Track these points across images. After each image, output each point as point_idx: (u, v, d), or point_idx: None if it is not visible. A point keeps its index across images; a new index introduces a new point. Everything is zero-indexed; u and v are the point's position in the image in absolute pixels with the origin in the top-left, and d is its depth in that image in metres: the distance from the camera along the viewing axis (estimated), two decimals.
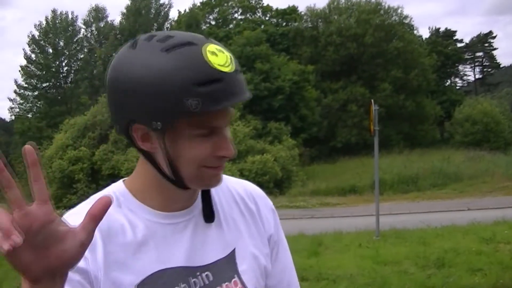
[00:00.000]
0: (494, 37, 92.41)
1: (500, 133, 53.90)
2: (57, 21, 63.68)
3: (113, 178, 26.30)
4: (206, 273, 1.69)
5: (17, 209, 1.07)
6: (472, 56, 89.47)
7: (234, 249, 1.77)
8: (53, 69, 63.95)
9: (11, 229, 1.06)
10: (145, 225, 1.64)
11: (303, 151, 46.26)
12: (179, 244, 1.67)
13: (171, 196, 1.67)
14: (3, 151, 1.24)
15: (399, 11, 64.03)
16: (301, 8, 67.99)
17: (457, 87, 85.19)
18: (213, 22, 71.22)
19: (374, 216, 15.46)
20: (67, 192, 36.39)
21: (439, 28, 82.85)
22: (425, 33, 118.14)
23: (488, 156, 42.66)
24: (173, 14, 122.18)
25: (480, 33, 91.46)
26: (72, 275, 1.40)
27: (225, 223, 1.79)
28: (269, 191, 29.45)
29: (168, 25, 65.77)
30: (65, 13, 64.31)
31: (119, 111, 1.57)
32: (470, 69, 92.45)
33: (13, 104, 66.26)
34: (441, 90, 70.99)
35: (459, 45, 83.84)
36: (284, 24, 69.46)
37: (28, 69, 63.26)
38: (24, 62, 63.74)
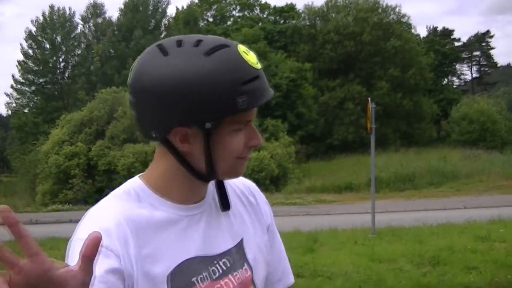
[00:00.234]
0: (492, 37, 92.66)
1: (497, 132, 53.95)
2: (55, 17, 63.57)
3: (109, 173, 26.39)
4: (222, 261, 1.79)
5: (11, 269, 1.06)
6: (470, 55, 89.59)
7: (242, 238, 1.88)
8: (50, 65, 63.75)
9: None
10: (167, 218, 1.72)
11: (299, 149, 46.24)
12: (197, 235, 1.76)
13: (191, 189, 1.77)
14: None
15: (397, 9, 64.18)
16: (299, 6, 68.28)
17: (454, 86, 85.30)
18: (210, 19, 71.16)
19: (370, 214, 15.49)
20: (63, 188, 36.36)
21: (436, 27, 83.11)
22: (422, 32, 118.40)
23: (485, 155, 42.69)
24: (171, 11, 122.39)
25: (478, 32, 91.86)
26: (107, 276, 1.51)
27: (232, 214, 1.89)
28: (265, 188, 29.54)
29: (166, 22, 65.65)
30: (63, 9, 64.25)
31: (160, 117, 1.63)
32: (467, 68, 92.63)
33: (10, 99, 66.26)
34: (438, 89, 71.09)
35: (456, 44, 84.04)
36: (282, 21, 69.43)
37: (25, 64, 63.12)
38: (21, 57, 63.69)
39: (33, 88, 64.40)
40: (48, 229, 19.73)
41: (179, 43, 1.63)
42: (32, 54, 63.36)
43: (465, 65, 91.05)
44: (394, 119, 56.02)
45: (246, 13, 71.41)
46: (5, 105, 79.85)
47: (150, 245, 1.65)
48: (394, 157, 41.86)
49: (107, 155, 36.81)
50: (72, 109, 49.17)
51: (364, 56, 59.15)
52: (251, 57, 1.64)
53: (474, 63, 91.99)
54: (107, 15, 67.76)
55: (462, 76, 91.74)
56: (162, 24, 65.42)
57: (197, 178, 1.74)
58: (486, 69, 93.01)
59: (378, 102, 37.78)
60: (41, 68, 63.03)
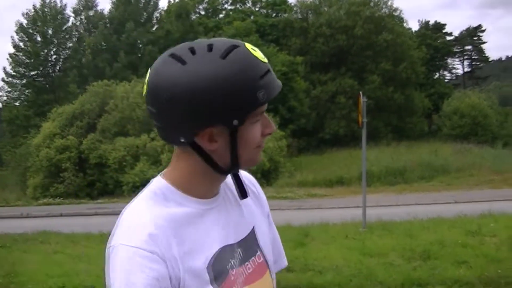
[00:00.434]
0: (483, 31, 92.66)
1: (488, 127, 54.01)
2: (46, 9, 63.36)
3: (101, 167, 26.36)
4: (240, 248, 1.92)
5: None
6: (461, 49, 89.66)
7: (254, 226, 2.03)
8: (42, 58, 63.59)
9: None
10: (194, 213, 1.83)
11: (291, 142, 46.22)
12: (219, 226, 1.88)
13: (212, 184, 1.90)
14: None
15: (389, 3, 64.05)
16: (291, 0, 67.83)
17: (446, 80, 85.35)
18: (202, 12, 71.05)
19: (361, 208, 15.52)
20: (54, 181, 36.37)
21: (428, 21, 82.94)
22: (414, 26, 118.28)
23: (476, 149, 42.76)
24: (163, 4, 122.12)
25: (470, 26, 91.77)
26: (155, 282, 1.65)
27: (243, 204, 2.03)
28: None
29: (158, 15, 65.52)
30: (54, 1, 64.01)
31: (188, 123, 1.72)
32: (459, 63, 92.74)
33: (0, 92, 66.21)
34: (429, 83, 71.04)
35: (448, 38, 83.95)
36: (274, 15, 69.39)
37: (16, 57, 62.92)
38: (12, 50, 63.49)
39: (24, 81, 64.34)
40: (39, 223, 19.76)
41: (192, 50, 1.73)
42: (23, 47, 63.23)
43: (457, 59, 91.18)
44: (385, 113, 56.03)
45: (238, 6, 71.41)
46: None
47: (187, 242, 1.75)
48: (385, 151, 41.88)
49: (98, 148, 36.83)
50: (64, 102, 49.00)
51: (356, 50, 59.13)
52: (259, 53, 1.76)
53: (465, 57, 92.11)
54: (98, 7, 67.69)
55: (453, 70, 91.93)
56: (154, 17, 65.31)
57: (220, 173, 1.86)
58: (478, 63, 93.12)
59: (370, 96, 37.81)
60: (32, 61, 62.88)
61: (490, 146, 45.99)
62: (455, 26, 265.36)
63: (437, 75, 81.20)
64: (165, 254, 1.68)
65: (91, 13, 65.32)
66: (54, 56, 65.21)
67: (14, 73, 63.39)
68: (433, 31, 79.56)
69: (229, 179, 1.99)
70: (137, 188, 33.02)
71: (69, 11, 65.83)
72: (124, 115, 37.97)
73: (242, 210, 2.01)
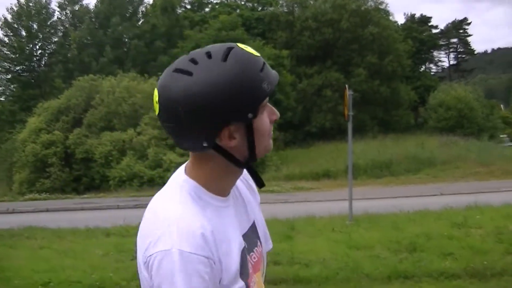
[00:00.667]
0: (469, 24, 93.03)
1: (474, 119, 54.16)
2: (31, 4, 63.07)
3: (87, 162, 26.25)
4: (246, 241, 2.01)
5: None
6: (447, 42, 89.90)
7: (254, 219, 2.15)
8: (27, 52, 63.38)
9: None
10: (219, 212, 1.94)
11: (277, 136, 46.19)
12: (236, 222, 2.00)
13: (232, 181, 2.02)
14: None
15: None
16: None
17: (432, 73, 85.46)
18: (188, 6, 70.89)
19: (347, 201, 15.54)
20: (40, 176, 36.29)
21: (414, 14, 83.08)
22: (400, 19, 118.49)
23: (461, 141, 42.92)
24: None
25: (455, 19, 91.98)
26: (213, 286, 1.79)
27: (245, 199, 2.14)
28: None
29: (143, 9, 65.41)
30: None
31: (208, 128, 1.82)
32: (444, 55, 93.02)
33: None
34: (415, 76, 71.15)
35: (434, 31, 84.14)
36: (260, 8, 69.32)
37: (1, 52, 62.67)
38: None
39: (9, 76, 64.19)
40: (25, 218, 19.69)
41: (194, 61, 1.82)
42: (8, 41, 62.95)
43: (443, 52, 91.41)
44: (371, 106, 56.02)
45: (224, 0, 71.22)
46: None
47: (223, 243, 1.86)
48: (371, 144, 41.92)
49: (85, 143, 36.77)
50: (49, 97, 48.89)
51: (342, 43, 59.11)
52: (251, 49, 1.89)
53: (451, 50, 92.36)
54: (84, 2, 67.66)
55: (439, 63, 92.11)
56: (140, 11, 65.20)
57: (240, 167, 1.97)
58: (464, 56, 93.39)
59: (356, 89, 37.86)
60: (17, 55, 62.66)
61: (476, 139, 46.16)
62: (441, 19, 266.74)
63: (423, 68, 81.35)
64: (214, 258, 1.79)
65: (76, 7, 65.13)
66: (40, 51, 65.03)
67: None
68: (419, 24, 79.68)
69: None
70: (123, 182, 33.00)
71: (54, 6, 65.55)
72: (110, 110, 37.91)
73: (245, 204, 2.13)
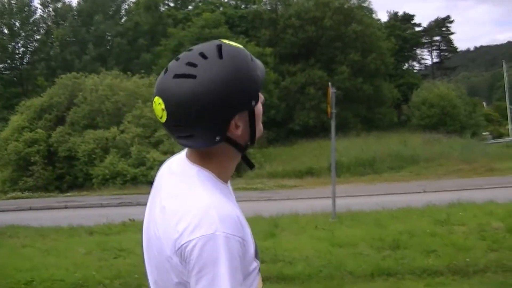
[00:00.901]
0: (452, 22, 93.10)
1: (456, 117, 54.35)
2: (13, 1, 62.77)
3: (70, 160, 26.09)
4: None
5: None
6: (430, 40, 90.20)
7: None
8: (9, 50, 63.15)
9: None
10: (228, 195, 2.08)
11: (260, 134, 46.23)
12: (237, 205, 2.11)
13: (233, 168, 2.15)
14: None
15: None
16: None
17: (415, 71, 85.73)
18: (171, 4, 70.86)
19: (330, 198, 15.54)
20: (23, 175, 36.12)
21: (397, 12, 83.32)
22: (383, 17, 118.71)
23: (444, 139, 43.07)
24: None
25: (438, 17, 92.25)
26: (247, 265, 1.96)
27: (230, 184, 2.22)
28: None
29: (126, 6, 65.28)
30: None
31: (220, 123, 1.94)
32: (427, 53, 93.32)
33: None
34: (398, 74, 71.34)
35: (417, 29, 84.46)
36: (243, 6, 69.31)
37: None
38: None
39: None
40: (8, 217, 19.68)
41: (192, 64, 1.90)
42: None
43: (426, 50, 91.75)
44: (355, 103, 56.03)
45: None
46: None
47: (244, 223, 1.98)
48: (355, 141, 41.97)
49: (68, 141, 36.61)
50: (32, 95, 48.71)
51: (325, 41, 59.12)
52: (235, 43, 2.02)
53: (434, 48, 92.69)
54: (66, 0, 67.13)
55: (422, 61, 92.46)
56: (123, 8, 65.09)
57: (242, 152, 2.11)
58: (446, 54, 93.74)
59: (339, 86, 37.81)
60: None
61: (458, 136, 46.36)
62: (424, 17, 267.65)
63: (406, 66, 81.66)
64: (244, 239, 1.92)
65: (59, 5, 64.84)
66: (22, 49, 64.87)
67: None
68: (402, 22, 79.91)
69: None
70: (106, 180, 32.90)
71: (36, 3, 65.47)
72: (93, 108, 37.79)
73: (232, 191, 2.22)
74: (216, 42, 1.99)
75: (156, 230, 2.00)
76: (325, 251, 11.09)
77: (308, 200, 21.81)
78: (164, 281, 1.99)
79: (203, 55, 1.91)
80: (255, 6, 66.29)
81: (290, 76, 56.75)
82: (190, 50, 1.99)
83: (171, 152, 32.56)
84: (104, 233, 14.63)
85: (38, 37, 64.54)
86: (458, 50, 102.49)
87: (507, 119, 75.33)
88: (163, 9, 65.99)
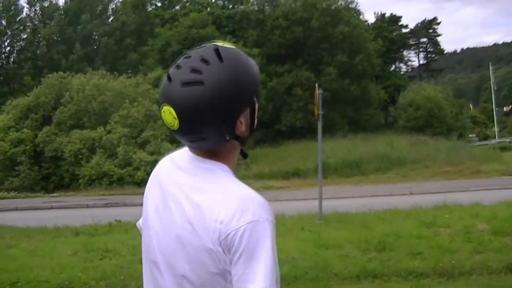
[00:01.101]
0: (439, 23, 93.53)
1: (443, 119, 54.61)
2: None
3: (56, 160, 25.94)
4: None
5: None
6: (417, 42, 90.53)
7: None
8: None
9: None
10: None
11: None
12: None
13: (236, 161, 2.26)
14: None
15: None
16: None
17: (402, 73, 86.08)
18: (159, 4, 70.79)
19: (317, 200, 15.53)
20: (9, 175, 35.93)
21: (384, 14, 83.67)
22: (370, 18, 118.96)
23: (431, 141, 43.22)
24: None
25: (425, 19, 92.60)
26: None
27: None
28: None
29: (114, 6, 65.17)
30: None
31: (229, 123, 2.07)
32: (414, 55, 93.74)
33: None
34: (385, 75, 71.60)
35: (404, 30, 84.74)
36: (231, 6, 69.37)
37: None
38: None
39: None
40: None
41: (197, 70, 2.00)
42: None
43: (412, 52, 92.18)
44: (341, 105, 56.11)
45: None
46: None
47: None
48: (341, 143, 42.01)
49: (54, 141, 36.46)
50: (18, 94, 48.48)
51: (312, 42, 59.18)
52: (228, 43, 2.16)
53: (421, 49, 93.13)
54: None
55: (409, 63, 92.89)
56: (110, 8, 64.98)
57: (243, 145, 2.23)
58: (433, 55, 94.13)
59: (326, 88, 37.95)
60: None
61: (445, 138, 46.51)
62: (411, 19, 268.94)
63: (393, 67, 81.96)
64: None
65: (45, 4, 64.65)
66: (8, 48, 64.66)
67: None
68: (389, 23, 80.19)
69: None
70: (93, 181, 32.80)
71: (23, 2, 65.34)
72: (80, 108, 37.66)
73: None
74: (212, 45, 2.10)
75: (187, 226, 2.07)
76: (311, 252, 11.09)
77: (294, 202, 21.82)
78: (199, 274, 2.05)
79: (205, 61, 2.01)
80: (242, 7, 66.40)
81: (277, 77, 56.78)
82: (188, 56, 2.07)
83: (157, 153, 32.57)
84: (90, 234, 14.55)
85: (24, 36, 64.38)
86: (445, 52, 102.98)
87: (493, 121, 75.85)
88: (150, 9, 65.98)
